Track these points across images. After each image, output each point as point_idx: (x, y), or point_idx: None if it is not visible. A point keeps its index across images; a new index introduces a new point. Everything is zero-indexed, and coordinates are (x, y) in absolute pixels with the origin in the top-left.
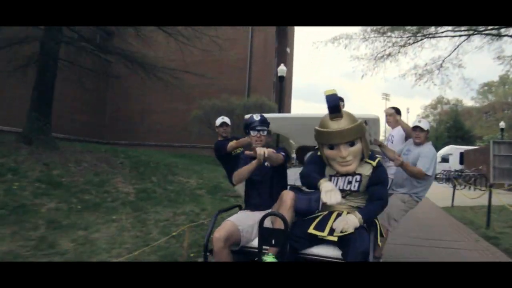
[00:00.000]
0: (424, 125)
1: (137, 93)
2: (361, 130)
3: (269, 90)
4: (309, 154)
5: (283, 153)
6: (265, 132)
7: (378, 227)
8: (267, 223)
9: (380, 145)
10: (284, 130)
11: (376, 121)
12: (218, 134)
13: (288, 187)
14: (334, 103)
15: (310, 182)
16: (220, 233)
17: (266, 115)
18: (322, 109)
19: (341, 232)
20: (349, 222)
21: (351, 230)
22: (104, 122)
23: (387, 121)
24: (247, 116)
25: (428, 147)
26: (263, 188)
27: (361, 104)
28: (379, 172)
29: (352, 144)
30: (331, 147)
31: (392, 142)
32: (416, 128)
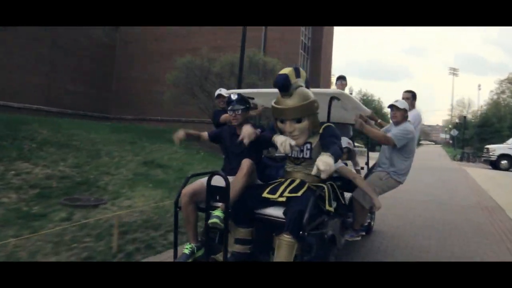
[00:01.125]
0: (400, 104)
1: (142, 62)
2: (309, 108)
3: (295, 55)
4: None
5: (259, 129)
6: (240, 111)
7: (326, 193)
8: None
9: (366, 120)
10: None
11: (344, 95)
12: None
13: (263, 157)
14: (280, 83)
15: (266, 139)
16: (186, 190)
17: (251, 90)
18: (381, 87)
19: (292, 189)
20: (324, 164)
21: (331, 168)
22: (108, 94)
23: None
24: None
25: (406, 125)
26: (240, 158)
27: (426, 80)
28: (326, 132)
29: (299, 121)
30: (282, 121)
31: None
32: (391, 107)
